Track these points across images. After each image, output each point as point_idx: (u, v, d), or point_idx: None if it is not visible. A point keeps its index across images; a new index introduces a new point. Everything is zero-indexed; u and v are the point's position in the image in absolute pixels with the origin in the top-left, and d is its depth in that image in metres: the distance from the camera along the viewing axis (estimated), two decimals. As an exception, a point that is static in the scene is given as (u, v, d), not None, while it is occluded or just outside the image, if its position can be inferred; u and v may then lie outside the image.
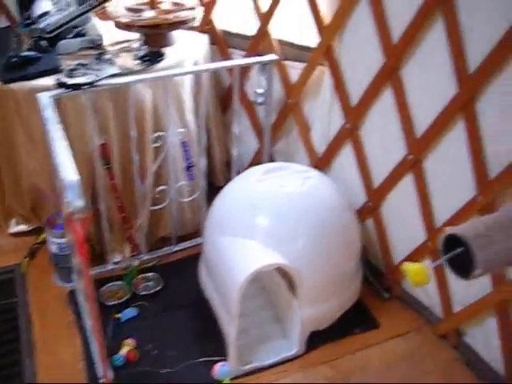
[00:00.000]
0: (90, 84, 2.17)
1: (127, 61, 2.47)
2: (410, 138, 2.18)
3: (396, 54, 2.10)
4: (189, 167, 2.67)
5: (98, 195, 2.46)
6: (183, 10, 2.66)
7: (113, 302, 2.47)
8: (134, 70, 2.39)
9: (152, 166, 2.57)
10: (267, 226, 2.19)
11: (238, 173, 2.56)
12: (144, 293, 2.54)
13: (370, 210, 2.50)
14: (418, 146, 2.15)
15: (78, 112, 2.35)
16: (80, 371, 2.19)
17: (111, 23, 2.66)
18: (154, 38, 2.62)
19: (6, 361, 2.24)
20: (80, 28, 2.63)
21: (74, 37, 2.61)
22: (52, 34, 2.55)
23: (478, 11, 1.78)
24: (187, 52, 2.67)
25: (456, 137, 1.99)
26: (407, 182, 2.28)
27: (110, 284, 2.56)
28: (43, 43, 2.54)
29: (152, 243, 2.78)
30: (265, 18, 2.65)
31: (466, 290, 2.11)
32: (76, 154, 2.30)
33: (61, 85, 2.16)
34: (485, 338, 2.15)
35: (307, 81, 2.60)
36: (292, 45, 2.69)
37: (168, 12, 2.63)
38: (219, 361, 2.17)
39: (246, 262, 2.07)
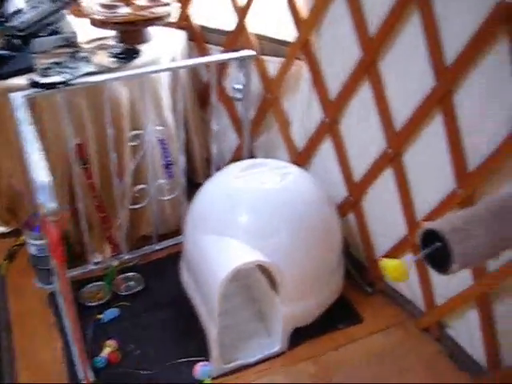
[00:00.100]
0: (64, 83, 2.13)
1: (103, 58, 2.42)
2: (389, 132, 2.17)
3: (373, 47, 2.09)
4: (168, 165, 2.65)
5: (76, 195, 2.42)
6: (159, 5, 2.62)
7: (94, 303, 2.45)
8: (109, 68, 2.35)
9: (130, 165, 2.54)
10: (246, 222, 2.18)
11: (219, 169, 2.54)
12: (125, 293, 2.51)
13: (351, 205, 2.50)
14: (398, 140, 2.15)
15: (53, 111, 2.30)
16: (61, 373, 2.16)
17: (87, 20, 2.62)
18: (130, 35, 2.59)
19: (-15, 364, 2.21)
20: (54, 26, 2.58)
21: (49, 35, 2.55)
22: (25, 32, 2.50)
23: (453, 1, 1.77)
24: (164, 48, 2.64)
25: (435, 129, 1.99)
26: (387, 176, 2.27)
27: (91, 285, 2.53)
28: (16, 41, 2.49)
29: (133, 242, 2.75)
30: (242, 12, 2.62)
31: (447, 284, 2.11)
32: (52, 153, 2.31)
33: (34, 84, 2.12)
34: (467, 330, 2.16)
35: (286, 75, 2.58)
36: (270, 39, 2.67)
37: (143, 8, 2.59)
38: (201, 360, 2.15)
39: (226, 259, 2.06)
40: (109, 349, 2.21)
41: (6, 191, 2.66)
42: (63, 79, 2.15)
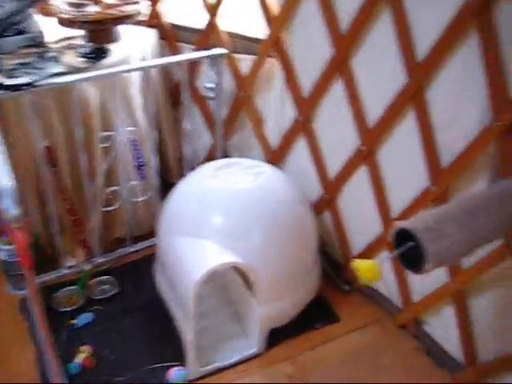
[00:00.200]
0: (31, 84, 2.08)
1: (71, 58, 2.37)
2: (362, 129, 2.16)
3: (345, 44, 2.08)
4: (140, 166, 2.61)
5: (46, 198, 2.37)
6: (128, 3, 2.57)
7: (67, 308, 2.41)
8: (78, 68, 2.30)
9: (102, 167, 2.50)
10: (220, 223, 2.15)
11: (193, 169, 2.51)
12: (99, 297, 2.48)
13: (326, 203, 2.48)
14: (371, 137, 2.14)
15: (20, 113, 2.25)
16: (34, 380, 2.12)
17: (54, 19, 2.56)
18: (99, 34, 2.53)
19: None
20: (20, 25, 2.51)
21: (15, 34, 2.49)
22: (-10, 33, 2.45)
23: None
24: (134, 47, 2.59)
25: (408, 126, 1.98)
26: (362, 174, 2.26)
27: (64, 289, 2.49)
28: (-20, 42, 2.43)
29: (107, 245, 2.71)
30: (213, 10, 2.59)
31: (423, 281, 2.10)
32: (20, 156, 2.26)
33: (-1, 86, 2.07)
34: (443, 327, 2.16)
35: (258, 73, 2.55)
36: (242, 37, 2.64)
37: (112, 6, 2.54)
38: (177, 365, 2.12)
39: (201, 261, 2.03)
40: (83, 354, 2.17)
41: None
42: (30, 80, 2.11)
